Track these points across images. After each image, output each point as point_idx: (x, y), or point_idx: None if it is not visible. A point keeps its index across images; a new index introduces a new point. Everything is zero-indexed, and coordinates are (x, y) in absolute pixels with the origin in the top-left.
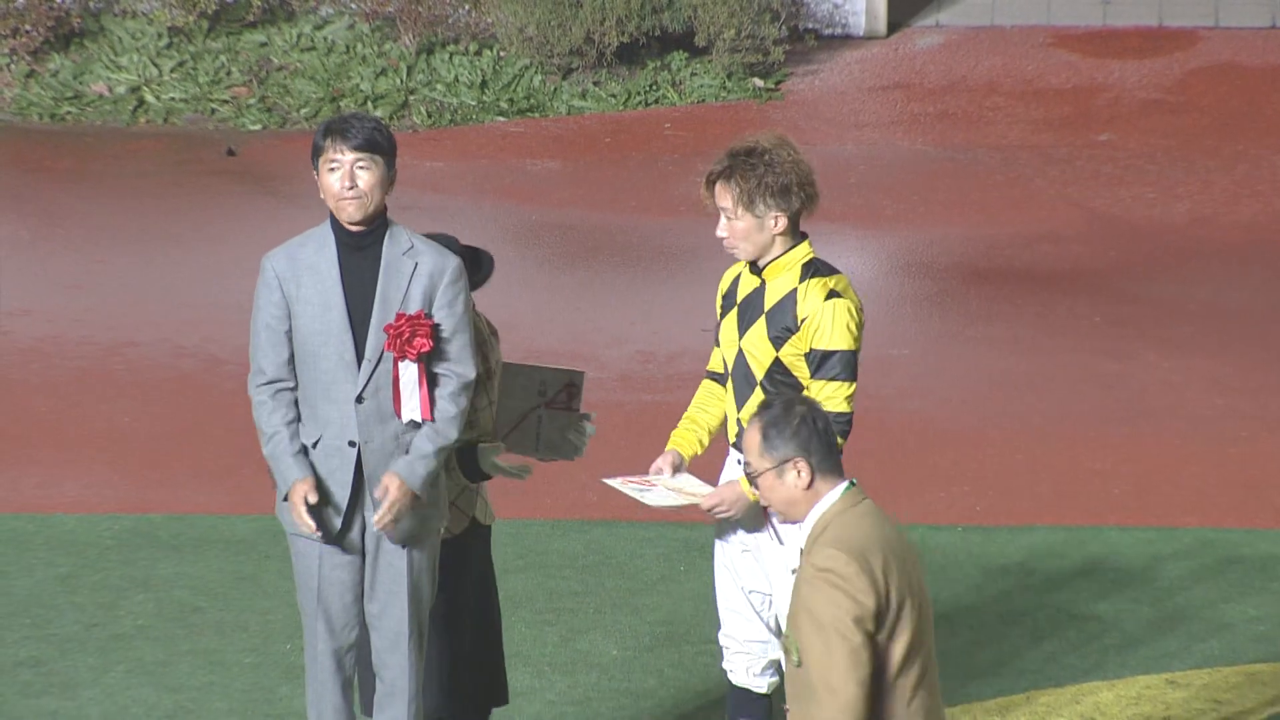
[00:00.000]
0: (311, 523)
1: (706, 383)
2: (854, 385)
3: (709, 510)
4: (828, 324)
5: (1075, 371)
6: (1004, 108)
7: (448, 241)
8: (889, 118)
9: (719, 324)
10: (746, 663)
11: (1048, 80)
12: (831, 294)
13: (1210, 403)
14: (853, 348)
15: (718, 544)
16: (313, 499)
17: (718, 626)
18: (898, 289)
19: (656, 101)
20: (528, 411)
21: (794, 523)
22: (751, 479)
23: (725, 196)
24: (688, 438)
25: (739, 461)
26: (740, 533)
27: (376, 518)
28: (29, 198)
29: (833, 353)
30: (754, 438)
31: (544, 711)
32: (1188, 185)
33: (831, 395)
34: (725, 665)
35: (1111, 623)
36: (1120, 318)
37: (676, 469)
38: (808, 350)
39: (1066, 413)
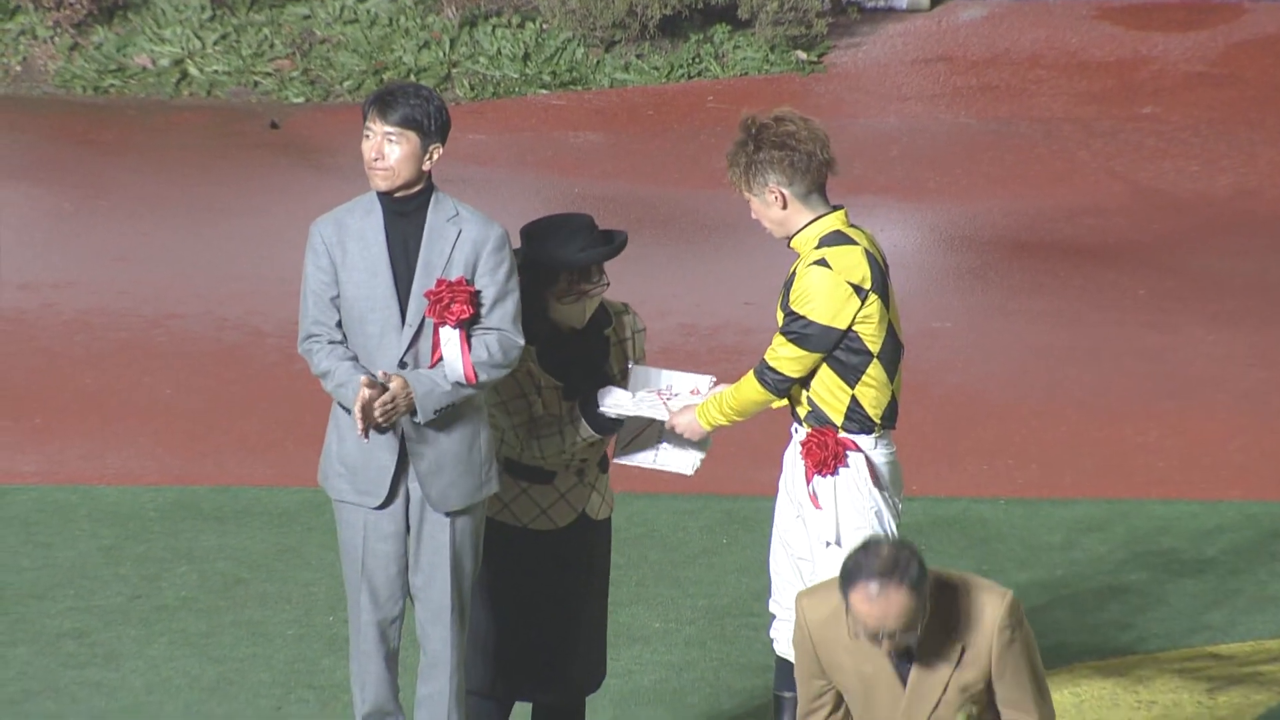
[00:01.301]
0: (359, 421)
1: None
2: (806, 355)
3: (670, 428)
4: (803, 288)
5: (1119, 345)
6: (1047, 80)
7: (584, 221)
8: (932, 91)
9: None
10: (789, 632)
11: (1091, 53)
12: (819, 261)
13: (1255, 376)
14: (822, 320)
15: (776, 509)
16: (368, 391)
17: (768, 594)
18: (940, 262)
19: (699, 74)
20: (652, 419)
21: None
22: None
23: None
24: None
25: (794, 429)
26: (796, 499)
27: (378, 401)
28: (73, 170)
29: (790, 317)
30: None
31: None
32: (1231, 158)
33: (777, 348)
34: (771, 634)
35: (1155, 596)
36: (1164, 291)
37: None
38: None
39: (1110, 386)
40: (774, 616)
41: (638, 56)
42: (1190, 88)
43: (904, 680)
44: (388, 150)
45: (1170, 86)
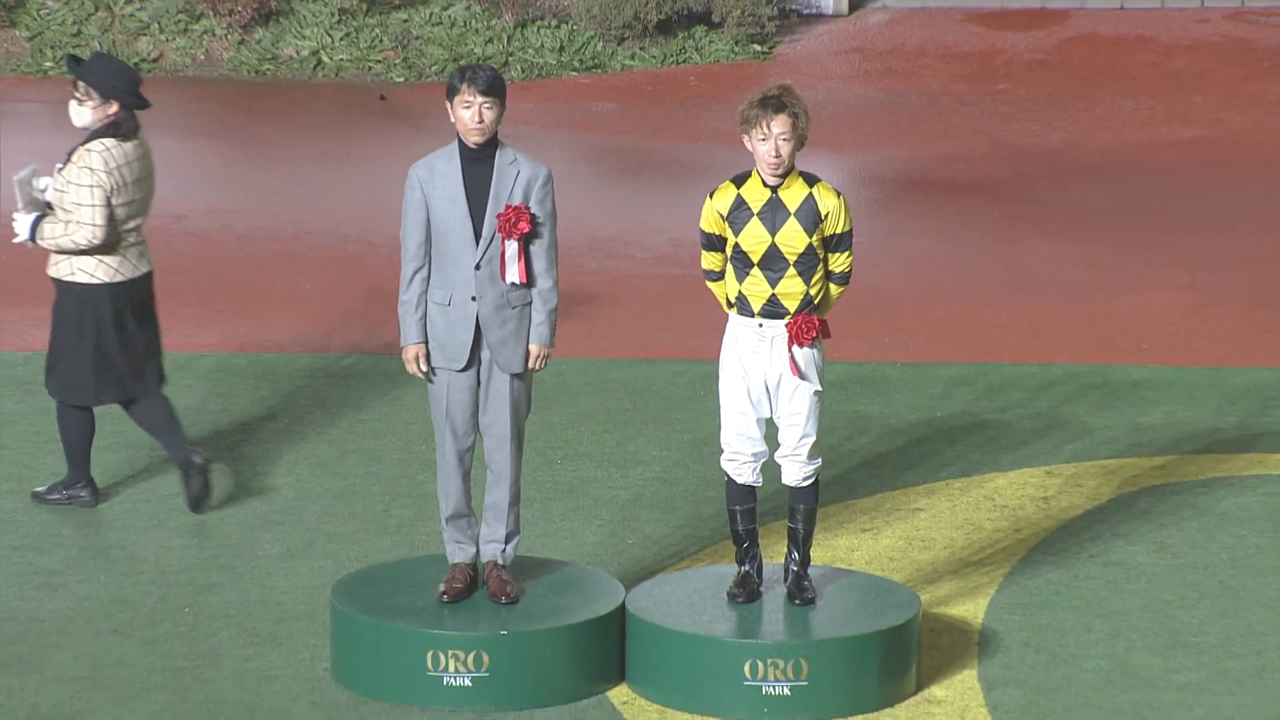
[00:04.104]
0: (419, 373)
1: (713, 285)
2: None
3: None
4: (842, 215)
5: (982, 254)
6: (930, 65)
7: (121, 68)
8: (849, 73)
9: (732, 235)
10: (754, 466)
11: (962, 46)
12: (838, 193)
13: (1079, 275)
14: (852, 226)
15: (740, 383)
16: (424, 366)
17: (726, 443)
18: (855, 194)
19: (684, 61)
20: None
21: None
22: None
23: (785, 123)
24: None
25: (759, 325)
26: (769, 374)
27: (534, 366)
28: (241, 129)
29: (846, 233)
30: None
31: (603, 494)
32: (1061, 121)
33: (845, 261)
34: (735, 473)
35: (1005, 430)
36: (1014, 215)
37: None
38: (828, 235)
39: (975, 282)
40: (733, 461)
41: (641, 49)
42: (1032, 71)
43: None
44: (485, 114)
45: (1018, 70)
